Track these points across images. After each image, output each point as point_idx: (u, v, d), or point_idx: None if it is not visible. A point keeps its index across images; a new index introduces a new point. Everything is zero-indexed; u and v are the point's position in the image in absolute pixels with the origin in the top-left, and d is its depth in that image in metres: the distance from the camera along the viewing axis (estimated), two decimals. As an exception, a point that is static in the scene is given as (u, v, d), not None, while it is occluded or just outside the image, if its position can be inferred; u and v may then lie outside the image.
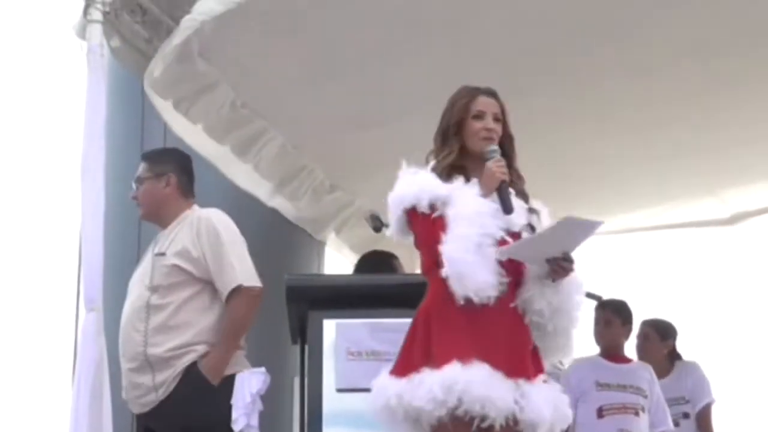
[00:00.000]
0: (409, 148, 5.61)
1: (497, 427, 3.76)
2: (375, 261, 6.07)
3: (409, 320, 4.40)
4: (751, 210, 7.24)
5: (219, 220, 4.81)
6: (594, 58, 5.84)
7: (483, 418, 3.74)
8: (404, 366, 3.92)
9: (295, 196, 6.88)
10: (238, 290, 4.67)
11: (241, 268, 4.70)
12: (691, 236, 7.54)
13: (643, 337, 6.74)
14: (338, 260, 7.53)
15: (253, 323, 4.78)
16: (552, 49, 5.75)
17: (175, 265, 4.70)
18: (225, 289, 4.68)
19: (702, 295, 7.75)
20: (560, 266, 3.90)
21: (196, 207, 4.94)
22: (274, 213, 6.72)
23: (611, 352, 6.27)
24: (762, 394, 8.13)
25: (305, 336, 4.70)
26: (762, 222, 7.54)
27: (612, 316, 6.27)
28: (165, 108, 5.84)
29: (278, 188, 6.72)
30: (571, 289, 3.96)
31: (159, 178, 4.93)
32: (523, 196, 4.07)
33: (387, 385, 3.91)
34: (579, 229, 3.90)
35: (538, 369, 3.97)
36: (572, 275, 3.95)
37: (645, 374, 6.31)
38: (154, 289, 4.71)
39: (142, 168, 5.00)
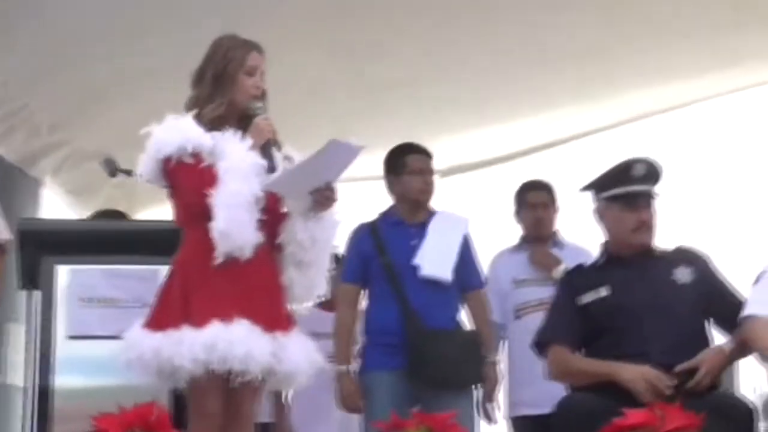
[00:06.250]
0: (135, 89, 5.54)
1: (255, 381, 3.85)
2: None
3: (144, 267, 4.43)
4: (625, 118, 7.26)
5: None
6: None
7: (243, 374, 3.81)
8: (160, 320, 3.90)
9: (9, 134, 6.64)
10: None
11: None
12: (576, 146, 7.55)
13: None
14: (56, 202, 7.33)
15: None
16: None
17: None
18: None
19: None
20: (324, 197, 3.96)
21: None
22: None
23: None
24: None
25: (36, 281, 4.60)
26: (635, 128, 7.53)
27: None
28: None
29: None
30: (330, 223, 4.05)
31: None
32: (277, 144, 4.10)
33: (141, 338, 3.89)
34: (342, 155, 3.91)
35: (291, 321, 4.07)
36: (331, 210, 4.02)
37: None
38: None
39: None
